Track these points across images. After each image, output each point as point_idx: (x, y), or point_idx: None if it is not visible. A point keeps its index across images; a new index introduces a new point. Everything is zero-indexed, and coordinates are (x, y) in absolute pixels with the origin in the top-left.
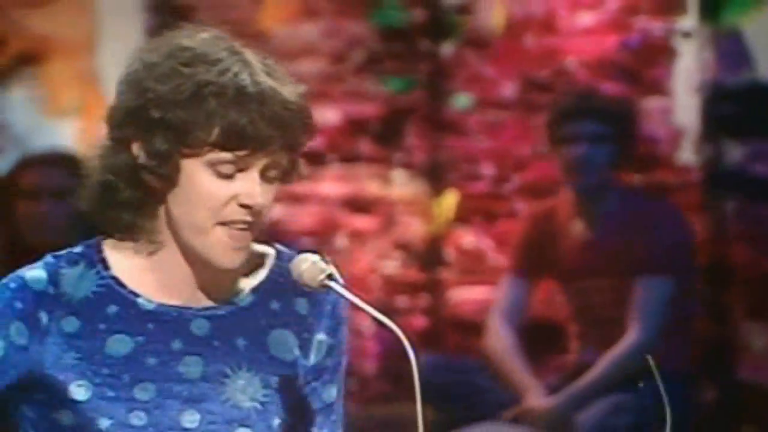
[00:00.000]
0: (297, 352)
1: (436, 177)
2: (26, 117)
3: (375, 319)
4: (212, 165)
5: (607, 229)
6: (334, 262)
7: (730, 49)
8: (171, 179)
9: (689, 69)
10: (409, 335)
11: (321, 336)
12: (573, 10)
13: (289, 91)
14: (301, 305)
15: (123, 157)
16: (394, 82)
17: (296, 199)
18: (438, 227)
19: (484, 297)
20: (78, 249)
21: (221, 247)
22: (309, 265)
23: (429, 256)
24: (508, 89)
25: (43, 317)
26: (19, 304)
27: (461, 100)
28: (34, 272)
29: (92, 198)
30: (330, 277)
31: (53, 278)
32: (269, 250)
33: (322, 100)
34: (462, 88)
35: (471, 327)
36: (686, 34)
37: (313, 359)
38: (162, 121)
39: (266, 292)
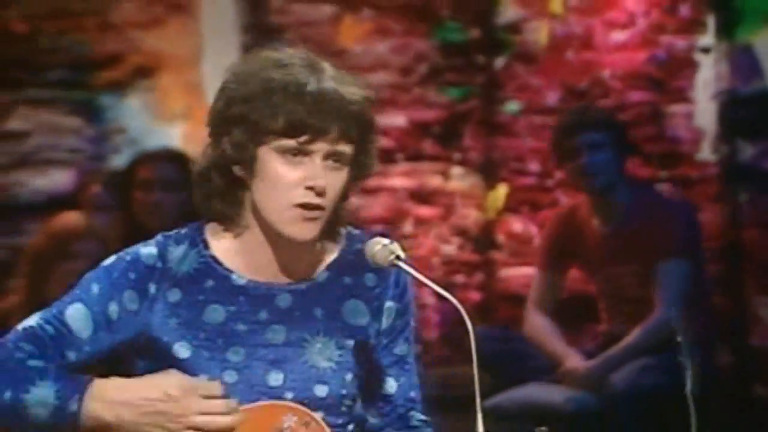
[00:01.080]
0: (368, 318)
1: (489, 172)
2: (140, 121)
3: (436, 293)
4: (280, 151)
5: (622, 222)
6: (401, 242)
7: (743, 62)
8: (250, 166)
9: (708, 79)
10: (465, 308)
11: (389, 303)
12: (608, 29)
13: (350, 91)
14: (370, 279)
15: (216, 152)
16: (453, 91)
17: (369, 192)
18: (490, 215)
19: (529, 274)
20: (184, 231)
21: (296, 223)
22: (380, 248)
23: (483, 240)
24: (552, 97)
25: (152, 288)
26: (132, 275)
27: (511, 107)
28: (147, 249)
29: (196, 189)
30: (398, 257)
31: (162, 255)
32: (341, 232)
33: (391, 107)
34: (512, 96)
35: (518, 300)
36: (705, 50)
37: (384, 323)
38: (239, 116)
39: (339, 268)
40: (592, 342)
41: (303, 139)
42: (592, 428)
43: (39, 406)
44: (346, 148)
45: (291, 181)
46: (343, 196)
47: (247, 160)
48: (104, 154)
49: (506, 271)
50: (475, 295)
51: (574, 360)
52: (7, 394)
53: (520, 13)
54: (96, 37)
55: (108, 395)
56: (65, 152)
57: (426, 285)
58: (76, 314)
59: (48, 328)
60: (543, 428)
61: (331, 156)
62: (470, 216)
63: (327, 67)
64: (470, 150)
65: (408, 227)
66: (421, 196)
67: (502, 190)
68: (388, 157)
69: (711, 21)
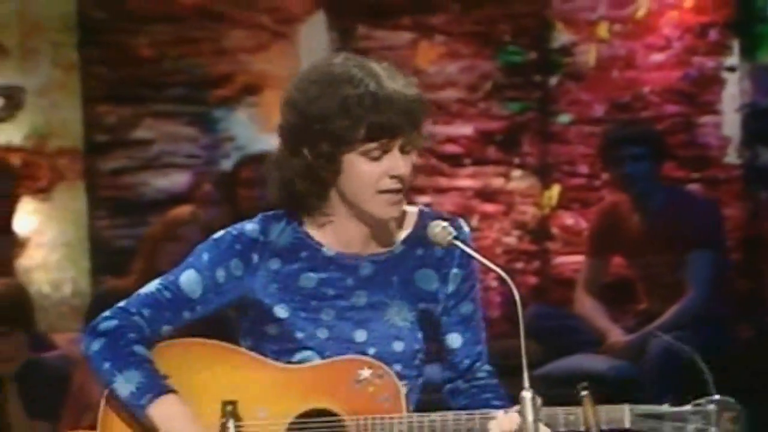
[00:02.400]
0: (437, 284)
1: (544, 174)
2: (247, 132)
3: (499, 277)
4: (364, 154)
5: (657, 218)
6: (470, 225)
7: (764, 80)
8: (337, 170)
9: (733, 94)
10: (523, 289)
11: (455, 270)
12: (647, 51)
13: (407, 87)
14: (438, 250)
15: (296, 161)
16: (513, 105)
17: (441, 191)
18: (545, 211)
19: (579, 262)
20: (281, 211)
21: (382, 207)
22: (440, 230)
23: (539, 232)
24: (598, 110)
25: (255, 257)
26: (238, 246)
27: (563, 118)
28: (251, 225)
29: (276, 191)
30: (455, 237)
31: (264, 230)
32: (414, 210)
33: (460, 119)
34: (564, 109)
35: (569, 284)
36: (731, 69)
37: (451, 287)
38: (323, 131)
39: (413, 241)
40: (631, 319)
41: (384, 141)
42: (631, 392)
43: (122, 385)
44: (413, 136)
45: (376, 175)
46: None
47: (334, 166)
48: (216, 159)
49: (559, 259)
50: (532, 280)
51: (616, 334)
52: (107, 365)
53: (571, 38)
54: (211, 60)
55: (171, 410)
56: (183, 157)
57: (479, 261)
58: (189, 279)
59: (166, 293)
60: (584, 383)
61: (405, 146)
62: (528, 212)
63: (377, 67)
64: (528, 155)
65: (474, 222)
66: (486, 194)
67: (555, 190)
68: (457, 161)
69: (736, 44)
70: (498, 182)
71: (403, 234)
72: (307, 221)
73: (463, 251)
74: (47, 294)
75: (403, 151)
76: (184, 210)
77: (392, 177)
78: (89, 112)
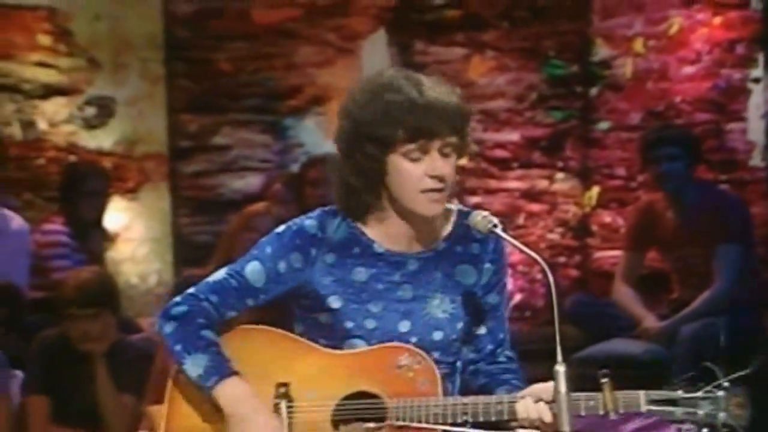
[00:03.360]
0: (475, 278)
1: (585, 176)
2: (314, 138)
3: (543, 270)
4: (405, 154)
5: (690, 214)
6: (504, 222)
7: None
8: (384, 171)
9: (758, 103)
10: (565, 281)
11: (487, 264)
12: (680, 64)
13: (447, 96)
14: (475, 247)
15: (349, 163)
16: (557, 113)
17: (490, 192)
18: (586, 210)
19: (617, 256)
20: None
21: (425, 205)
22: (481, 218)
23: (580, 229)
24: (635, 118)
25: (313, 251)
26: (298, 241)
27: (602, 125)
28: (310, 221)
29: (335, 190)
30: (495, 225)
31: (321, 226)
32: (454, 209)
33: (508, 126)
34: (603, 117)
35: (608, 276)
36: (756, 80)
37: (484, 280)
38: (370, 134)
39: (453, 240)
40: (665, 307)
41: (422, 142)
42: (663, 373)
43: (191, 367)
44: (453, 140)
45: (418, 174)
46: (454, 175)
47: (380, 166)
48: (286, 163)
49: (598, 254)
50: (573, 272)
51: (650, 320)
52: (178, 347)
53: (610, 52)
54: (282, 74)
55: (235, 391)
56: (257, 161)
57: (514, 245)
58: (253, 270)
59: (232, 281)
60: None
61: (444, 148)
62: (570, 211)
63: (423, 78)
64: (570, 159)
65: (521, 220)
66: (531, 195)
67: (595, 191)
68: (505, 165)
69: (761, 58)
70: (542, 184)
71: (444, 232)
72: (360, 219)
73: (495, 249)
74: (135, 284)
75: (442, 153)
76: (258, 205)
77: (432, 177)
78: (173, 120)
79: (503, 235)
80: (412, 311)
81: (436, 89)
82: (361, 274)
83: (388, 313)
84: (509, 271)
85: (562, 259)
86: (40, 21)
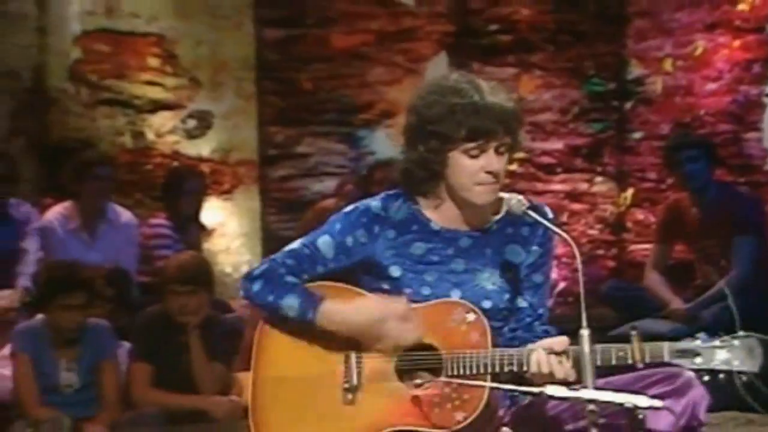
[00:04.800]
0: (522, 257)
1: (621, 180)
2: (384, 147)
3: (554, 231)
4: (465, 151)
5: (711, 211)
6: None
7: None
8: (444, 164)
9: None
10: (603, 270)
11: (535, 247)
12: (704, 82)
13: (505, 101)
14: (525, 230)
15: (414, 154)
16: (596, 125)
17: (537, 194)
18: (622, 209)
19: (648, 248)
20: (400, 191)
21: (479, 195)
22: (515, 201)
23: (616, 226)
24: (664, 129)
25: (376, 228)
26: (364, 219)
27: (636, 135)
28: (375, 202)
29: (400, 175)
30: (528, 208)
31: (384, 206)
32: (505, 196)
33: (554, 136)
34: (637, 128)
35: (640, 266)
36: None
37: (530, 260)
38: (433, 132)
39: (504, 222)
40: (690, 292)
41: (480, 141)
42: None
43: (288, 309)
44: (507, 140)
45: (475, 170)
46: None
47: (442, 160)
48: (360, 168)
49: (632, 247)
50: (610, 263)
51: (676, 303)
52: (270, 297)
53: (642, 71)
54: (356, 91)
55: (333, 309)
56: (334, 167)
57: (546, 225)
58: (324, 242)
59: (306, 250)
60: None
61: (499, 147)
62: (608, 210)
63: (483, 83)
64: (608, 165)
65: (564, 218)
66: (574, 196)
67: (629, 192)
68: (550, 170)
69: None
70: (583, 186)
71: (497, 216)
72: (420, 201)
73: (544, 234)
74: (229, 273)
75: (497, 151)
76: (330, 201)
77: (487, 172)
78: (263, 131)
79: (534, 215)
80: (463, 282)
81: (495, 95)
82: (419, 248)
83: (441, 283)
84: (555, 262)
85: (600, 252)
86: (149, 46)
